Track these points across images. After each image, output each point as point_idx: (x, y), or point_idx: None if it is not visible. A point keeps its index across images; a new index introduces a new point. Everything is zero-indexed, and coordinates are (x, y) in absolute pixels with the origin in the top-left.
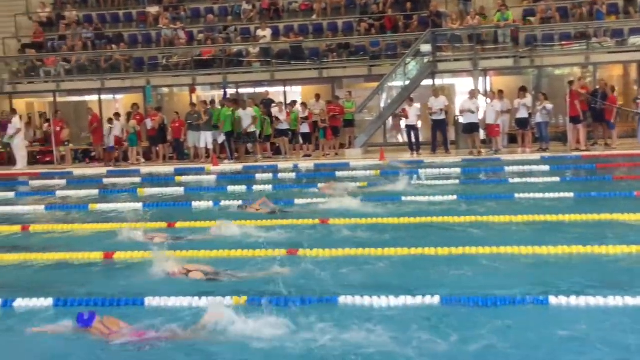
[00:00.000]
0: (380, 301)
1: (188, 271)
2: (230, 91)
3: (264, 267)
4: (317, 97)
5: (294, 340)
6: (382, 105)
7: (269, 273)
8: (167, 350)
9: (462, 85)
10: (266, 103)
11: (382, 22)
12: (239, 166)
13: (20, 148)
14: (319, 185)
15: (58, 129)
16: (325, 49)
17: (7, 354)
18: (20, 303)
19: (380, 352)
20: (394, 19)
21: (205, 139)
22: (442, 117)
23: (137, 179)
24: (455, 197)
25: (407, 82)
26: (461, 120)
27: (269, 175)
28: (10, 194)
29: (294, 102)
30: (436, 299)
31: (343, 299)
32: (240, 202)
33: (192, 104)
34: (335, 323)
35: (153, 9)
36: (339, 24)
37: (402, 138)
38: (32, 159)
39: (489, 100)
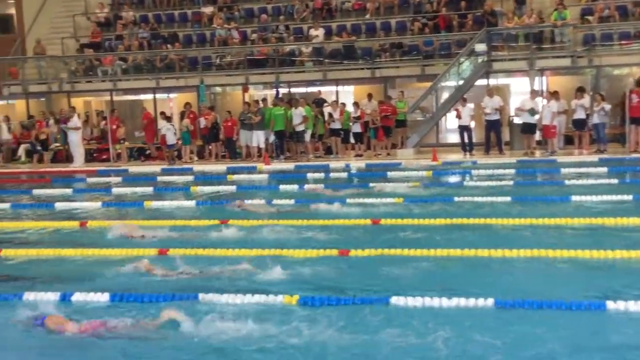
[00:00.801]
0: (433, 302)
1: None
2: (283, 90)
3: (313, 266)
4: (369, 96)
5: (348, 340)
6: (435, 105)
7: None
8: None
9: (517, 85)
10: (318, 102)
11: (436, 21)
12: (290, 165)
13: (78, 145)
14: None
15: (114, 127)
16: (377, 48)
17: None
18: (78, 297)
19: (432, 353)
20: (448, 18)
21: (257, 138)
22: (497, 117)
23: (190, 177)
24: (509, 198)
25: (461, 82)
26: (516, 120)
27: (321, 175)
28: (69, 191)
29: (343, 104)
30: (490, 302)
31: (395, 299)
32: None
33: (245, 103)
34: (387, 323)
35: (207, 9)
36: (392, 23)
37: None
38: (89, 157)
39: (545, 101)
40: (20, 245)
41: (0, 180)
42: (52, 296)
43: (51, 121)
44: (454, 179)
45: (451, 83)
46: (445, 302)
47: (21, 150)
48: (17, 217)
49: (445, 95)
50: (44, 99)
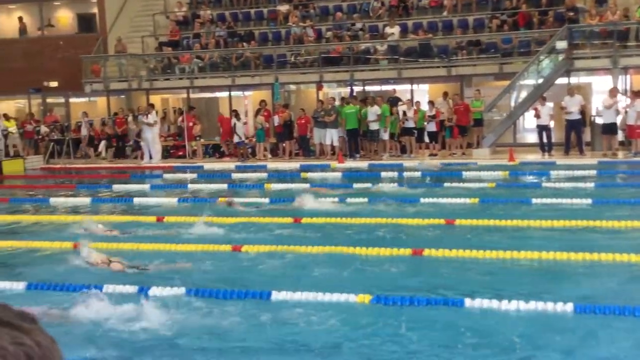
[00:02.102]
0: (509, 306)
1: (110, 262)
2: (357, 88)
3: (386, 265)
4: (445, 95)
5: (421, 340)
6: (513, 104)
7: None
8: None
9: (599, 84)
10: (392, 101)
11: (515, 18)
12: (364, 164)
13: (155, 142)
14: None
15: (191, 124)
16: (454, 46)
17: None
18: (154, 291)
19: (504, 357)
20: (528, 15)
21: (331, 136)
22: (578, 117)
23: (264, 175)
24: (589, 200)
25: (540, 81)
26: (598, 120)
27: (394, 174)
28: (146, 186)
29: (417, 103)
30: (569, 307)
31: (469, 302)
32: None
33: (319, 101)
34: (461, 325)
35: (283, 7)
36: (469, 20)
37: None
38: (166, 153)
39: (628, 100)
40: (102, 239)
41: (81, 176)
42: (131, 289)
43: (130, 118)
44: (531, 179)
45: (530, 81)
46: (522, 305)
47: (102, 146)
48: (97, 211)
49: (523, 94)
50: (124, 96)
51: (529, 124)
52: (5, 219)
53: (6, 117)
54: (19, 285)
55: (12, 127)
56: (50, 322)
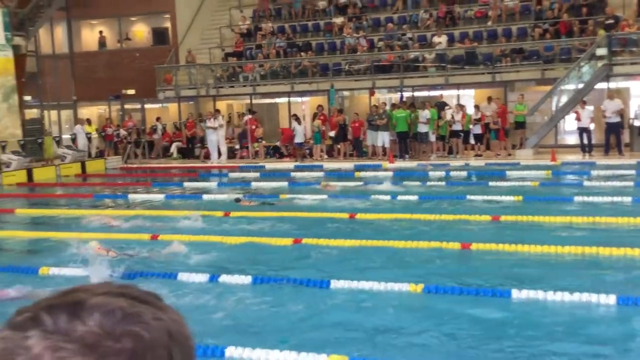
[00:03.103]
0: (555, 297)
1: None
2: (406, 94)
3: (436, 257)
4: (489, 99)
5: (471, 330)
6: (554, 107)
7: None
8: None
9: (637, 88)
10: (440, 105)
11: (557, 27)
12: (413, 164)
13: (221, 144)
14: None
15: (253, 127)
16: (498, 53)
17: None
18: (224, 279)
19: (549, 346)
20: (569, 24)
21: (382, 138)
22: (617, 119)
23: (321, 173)
24: (629, 198)
25: (581, 85)
26: (637, 123)
27: (442, 173)
28: (213, 184)
29: (464, 107)
30: (612, 299)
31: (516, 293)
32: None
33: (372, 106)
34: (508, 315)
35: (338, 20)
36: (513, 29)
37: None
38: (231, 154)
39: None
40: (175, 231)
41: (155, 174)
42: (204, 277)
43: (198, 122)
44: (572, 178)
45: (571, 86)
46: (567, 297)
47: (173, 148)
48: (170, 207)
49: (564, 98)
50: (193, 102)
51: (570, 127)
52: (90, 212)
53: (88, 122)
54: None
55: (92, 131)
56: None
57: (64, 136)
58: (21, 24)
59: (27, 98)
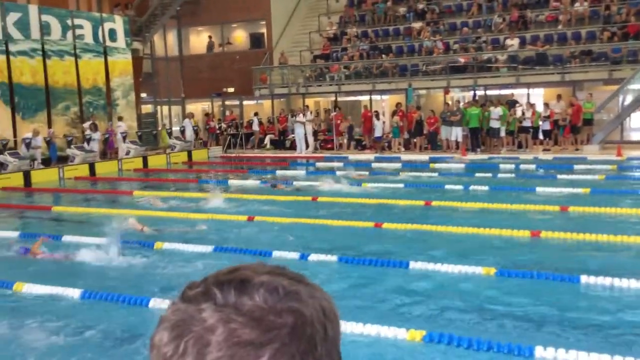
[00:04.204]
0: (621, 283)
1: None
2: (479, 92)
3: (507, 243)
4: (559, 97)
5: (540, 311)
6: (621, 106)
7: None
8: None
9: None
10: (511, 103)
11: (625, 30)
12: (484, 157)
13: (308, 136)
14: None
15: (338, 122)
16: (568, 55)
17: None
18: (313, 257)
19: (615, 331)
20: (637, 27)
21: (456, 133)
22: None
23: (398, 165)
24: None
25: None
26: None
27: (511, 166)
28: (302, 172)
29: (533, 105)
30: None
31: (585, 278)
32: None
33: (446, 104)
34: (577, 299)
35: (417, 24)
36: (582, 33)
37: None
38: (318, 146)
39: None
40: (268, 213)
41: (252, 163)
42: (294, 255)
43: (289, 117)
44: (638, 173)
45: (637, 86)
46: (633, 283)
47: (267, 140)
48: (264, 192)
49: (630, 97)
50: (284, 99)
51: (635, 124)
52: (196, 195)
53: (192, 116)
54: (208, 248)
55: (195, 124)
56: None
57: (173, 128)
58: (139, 30)
59: (143, 95)
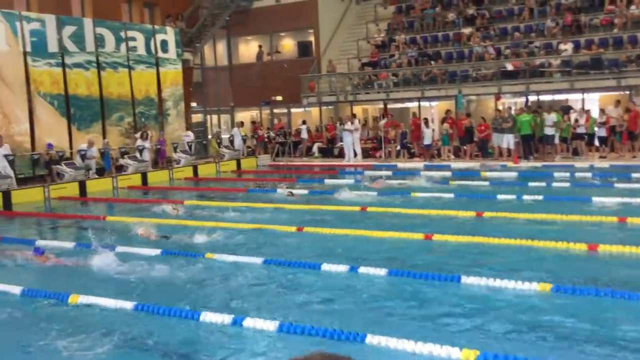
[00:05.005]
0: None
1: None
2: (531, 98)
3: (562, 257)
4: (617, 103)
5: (598, 331)
6: None
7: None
8: None
9: None
10: (565, 109)
11: None
12: (537, 164)
13: (356, 145)
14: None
15: (388, 129)
16: (624, 59)
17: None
18: (363, 270)
19: None
20: None
21: (507, 140)
22: None
23: (448, 173)
24: None
25: None
26: None
27: (566, 174)
28: (351, 181)
29: (588, 111)
30: None
31: None
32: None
33: (497, 110)
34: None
35: (467, 30)
36: (638, 36)
37: None
38: (365, 154)
39: None
40: (317, 223)
41: (300, 171)
42: (344, 267)
43: (337, 125)
44: None
45: None
46: None
47: (315, 148)
48: (312, 202)
49: None
50: (332, 107)
51: None
52: (244, 205)
53: (241, 124)
54: (258, 260)
55: (243, 133)
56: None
57: (222, 136)
58: (189, 41)
59: (193, 104)
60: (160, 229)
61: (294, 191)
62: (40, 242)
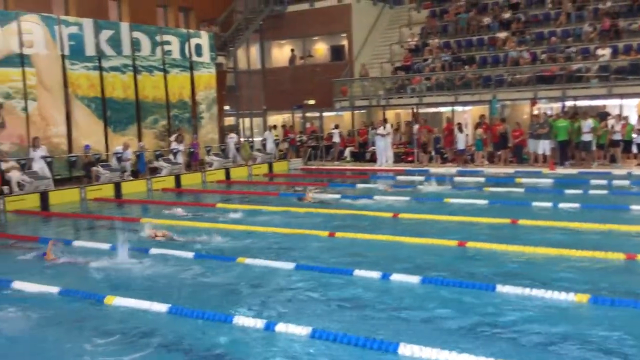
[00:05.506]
0: None
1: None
2: (568, 104)
3: (599, 267)
4: None
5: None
6: None
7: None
8: None
9: None
10: (602, 115)
11: None
12: (574, 171)
13: (388, 149)
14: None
15: (420, 134)
16: None
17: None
18: (395, 277)
19: None
20: None
21: (543, 146)
22: None
23: (482, 179)
24: None
25: None
26: None
27: (603, 181)
28: (382, 186)
29: (625, 117)
30: None
31: None
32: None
33: (534, 116)
34: None
35: (502, 34)
36: None
37: None
38: (397, 158)
39: None
40: (349, 228)
41: (331, 175)
42: (376, 274)
43: (369, 129)
44: None
45: None
46: None
47: (347, 152)
48: (343, 207)
49: None
50: (364, 111)
51: None
52: (276, 208)
53: (273, 128)
54: (289, 265)
55: (275, 137)
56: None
57: (255, 139)
58: (223, 45)
59: (226, 108)
60: (178, 230)
61: (315, 195)
62: (76, 243)
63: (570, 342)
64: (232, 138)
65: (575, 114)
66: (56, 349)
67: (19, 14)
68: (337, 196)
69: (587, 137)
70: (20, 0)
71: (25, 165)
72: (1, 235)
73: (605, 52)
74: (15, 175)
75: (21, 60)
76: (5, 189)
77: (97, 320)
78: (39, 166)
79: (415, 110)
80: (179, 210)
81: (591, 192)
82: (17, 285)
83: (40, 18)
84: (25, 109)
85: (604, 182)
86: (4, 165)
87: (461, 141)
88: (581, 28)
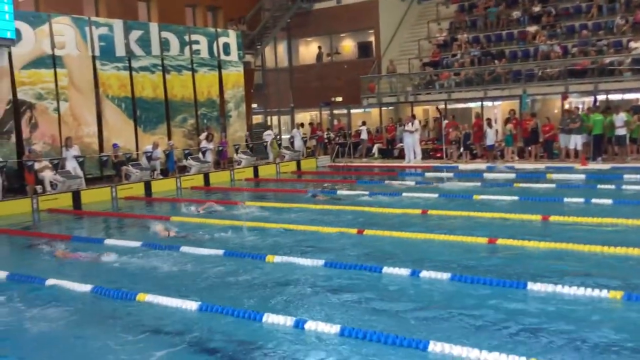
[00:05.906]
0: None
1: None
2: (600, 98)
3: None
4: None
5: None
6: None
7: None
8: None
9: None
10: (636, 109)
11: None
12: (607, 166)
13: (416, 146)
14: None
15: (449, 130)
16: None
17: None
18: (425, 274)
19: None
20: None
21: (574, 141)
22: None
23: (512, 175)
24: None
25: None
26: None
27: (637, 176)
28: (411, 183)
29: None
30: None
31: None
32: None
33: (566, 110)
34: None
35: (532, 28)
36: None
37: None
38: (426, 154)
39: None
40: (377, 226)
41: (359, 172)
42: (405, 272)
43: (397, 126)
44: None
45: None
46: None
47: (375, 149)
48: (372, 205)
49: None
50: (392, 108)
51: None
52: (301, 206)
53: (302, 125)
54: (318, 262)
55: (303, 134)
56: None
57: (283, 137)
58: (251, 43)
59: (254, 106)
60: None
61: (319, 194)
62: (108, 242)
63: (603, 341)
64: (269, 135)
65: (607, 108)
66: (88, 345)
67: (50, 16)
68: (366, 193)
69: (621, 132)
70: (51, 2)
71: (58, 165)
72: (34, 233)
73: (638, 45)
74: (48, 175)
75: (53, 61)
76: (39, 188)
77: (129, 317)
78: (72, 166)
79: (439, 107)
80: (209, 205)
81: (624, 187)
82: (51, 282)
83: (72, 20)
84: (57, 109)
85: (637, 176)
86: (37, 165)
87: (490, 137)
88: (613, 21)
